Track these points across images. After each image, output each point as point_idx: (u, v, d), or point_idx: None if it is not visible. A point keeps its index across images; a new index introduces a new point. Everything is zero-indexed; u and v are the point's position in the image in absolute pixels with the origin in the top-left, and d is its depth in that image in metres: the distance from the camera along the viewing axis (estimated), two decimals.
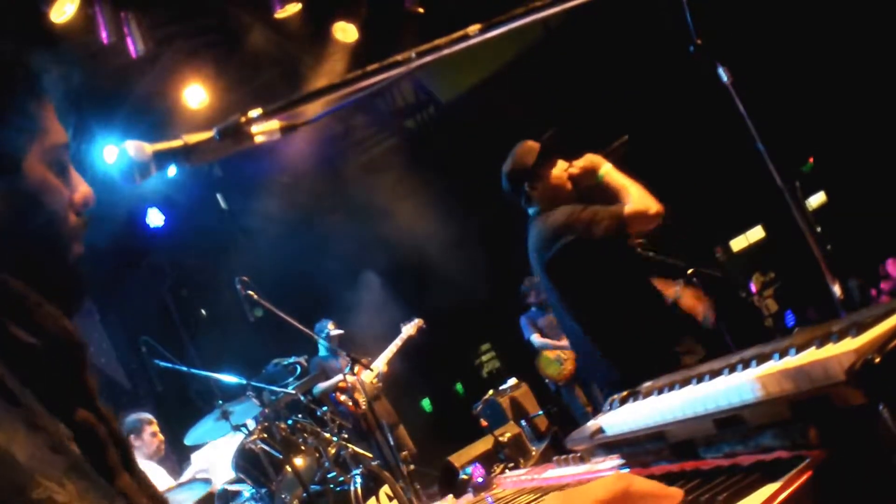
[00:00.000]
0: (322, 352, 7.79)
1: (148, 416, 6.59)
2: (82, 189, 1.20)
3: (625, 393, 1.66)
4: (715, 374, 1.36)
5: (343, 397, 7.53)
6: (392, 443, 6.39)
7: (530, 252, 3.95)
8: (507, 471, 2.11)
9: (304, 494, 5.33)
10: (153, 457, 6.55)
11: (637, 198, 3.63)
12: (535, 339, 8.75)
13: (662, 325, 3.85)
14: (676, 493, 1.13)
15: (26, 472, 0.88)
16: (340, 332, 7.66)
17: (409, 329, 7.84)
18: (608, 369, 3.78)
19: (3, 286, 1.04)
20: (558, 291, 3.88)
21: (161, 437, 6.51)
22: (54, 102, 1.18)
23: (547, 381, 8.82)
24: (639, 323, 3.72)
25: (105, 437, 1.06)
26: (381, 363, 7.61)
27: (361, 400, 7.29)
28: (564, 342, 8.65)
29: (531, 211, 3.98)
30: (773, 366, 1.21)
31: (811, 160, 10.29)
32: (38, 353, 1.02)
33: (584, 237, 3.63)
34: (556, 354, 8.66)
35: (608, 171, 3.77)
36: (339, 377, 7.26)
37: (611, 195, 3.71)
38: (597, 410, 1.78)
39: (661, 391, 1.51)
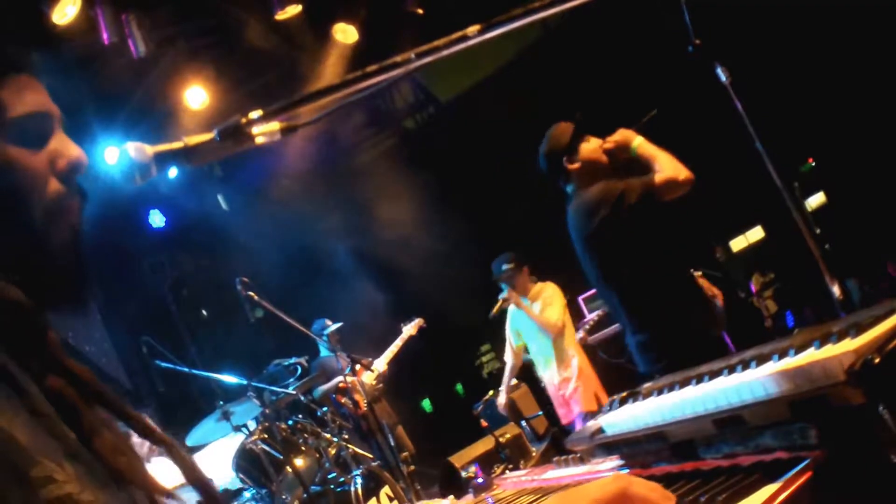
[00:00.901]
0: (323, 352, 7.78)
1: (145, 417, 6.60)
2: (68, 152, 1.13)
3: (624, 393, 1.66)
4: (715, 374, 1.36)
5: (343, 399, 7.52)
6: (392, 443, 6.39)
7: (570, 230, 4.02)
8: (507, 471, 2.11)
9: (305, 495, 5.33)
10: (150, 456, 6.55)
11: (667, 166, 3.78)
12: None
13: (697, 306, 3.93)
14: (671, 497, 1.13)
15: (27, 452, 0.88)
16: (339, 324, 7.63)
17: (409, 329, 7.83)
18: (644, 347, 3.83)
19: None
20: (598, 269, 3.94)
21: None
22: (34, 73, 1.13)
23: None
24: (675, 300, 3.79)
25: (77, 400, 1.01)
26: (381, 363, 7.59)
27: (361, 401, 7.28)
28: None
29: (569, 189, 4.07)
30: (773, 366, 1.21)
31: (810, 160, 10.30)
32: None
33: (618, 209, 3.72)
34: None
35: (641, 144, 3.90)
36: (339, 378, 7.25)
37: (645, 167, 3.83)
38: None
39: (660, 391, 1.52)
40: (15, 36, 5.91)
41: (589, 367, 6.92)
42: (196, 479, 1.19)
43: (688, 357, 3.13)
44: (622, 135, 3.97)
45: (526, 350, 7.13)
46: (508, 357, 7.31)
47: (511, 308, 7.00)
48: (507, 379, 7.44)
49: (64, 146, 1.13)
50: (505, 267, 6.81)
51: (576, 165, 3.98)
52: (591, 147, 3.99)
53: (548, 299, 6.83)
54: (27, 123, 1.09)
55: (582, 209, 3.89)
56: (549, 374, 6.90)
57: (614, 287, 3.91)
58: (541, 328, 6.75)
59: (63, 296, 1.12)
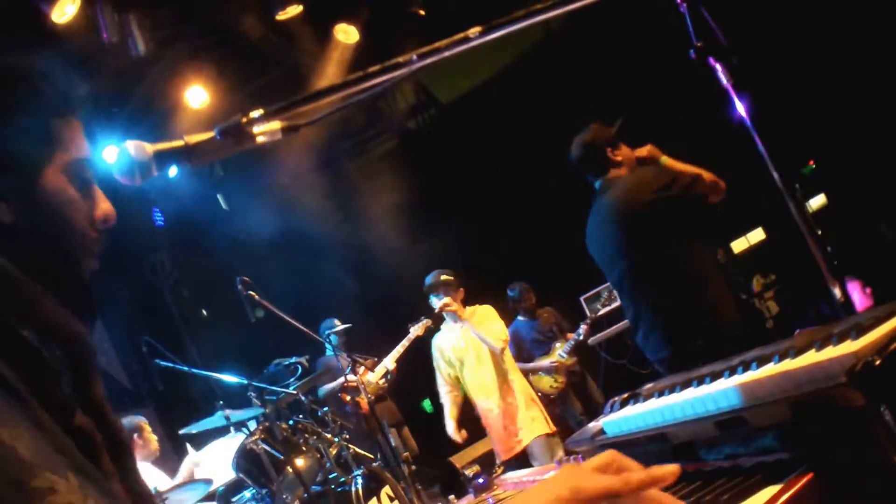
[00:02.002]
0: (328, 351, 7.77)
1: (142, 418, 6.63)
2: (103, 206, 1.23)
3: (626, 394, 1.66)
4: (716, 375, 1.36)
5: (348, 397, 7.50)
6: (394, 443, 6.39)
7: (610, 211, 4.10)
8: (508, 472, 2.11)
9: (306, 495, 5.33)
10: (149, 457, 6.57)
11: (709, 175, 4.08)
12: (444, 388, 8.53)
13: (727, 298, 4.14)
14: (628, 480, 1.03)
15: (28, 465, 0.89)
16: (348, 325, 7.63)
17: (416, 329, 7.78)
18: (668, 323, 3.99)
19: (16, 286, 1.06)
20: (638, 244, 4.03)
21: (154, 437, 6.55)
22: (82, 120, 1.21)
23: (539, 394, 8.73)
24: (711, 289, 3.98)
25: (100, 444, 1.06)
26: (389, 361, 7.57)
27: (363, 402, 7.27)
28: (543, 362, 8.54)
29: (598, 183, 4.25)
30: (774, 368, 1.21)
31: (811, 162, 10.30)
32: (44, 356, 1.03)
33: (685, 193, 3.94)
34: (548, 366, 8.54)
35: (667, 160, 4.17)
36: (343, 379, 7.24)
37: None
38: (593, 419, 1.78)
39: (661, 393, 1.51)
40: (15, 35, 5.92)
41: (531, 389, 6.59)
42: None
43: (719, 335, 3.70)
44: (651, 149, 4.23)
45: (457, 380, 6.52)
46: (445, 390, 6.62)
47: (438, 337, 6.52)
48: (456, 414, 6.62)
49: (100, 198, 1.24)
50: (443, 277, 6.36)
51: (619, 157, 4.20)
52: (627, 150, 4.25)
53: (483, 318, 6.31)
54: (82, 169, 1.20)
55: (637, 186, 4.01)
56: (489, 403, 6.34)
57: (651, 263, 4.01)
58: (484, 345, 6.19)
59: (87, 316, 1.19)
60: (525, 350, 8.58)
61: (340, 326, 7.55)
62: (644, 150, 4.23)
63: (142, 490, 1.14)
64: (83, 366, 1.09)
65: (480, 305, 6.41)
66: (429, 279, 6.35)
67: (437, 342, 6.53)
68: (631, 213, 3.98)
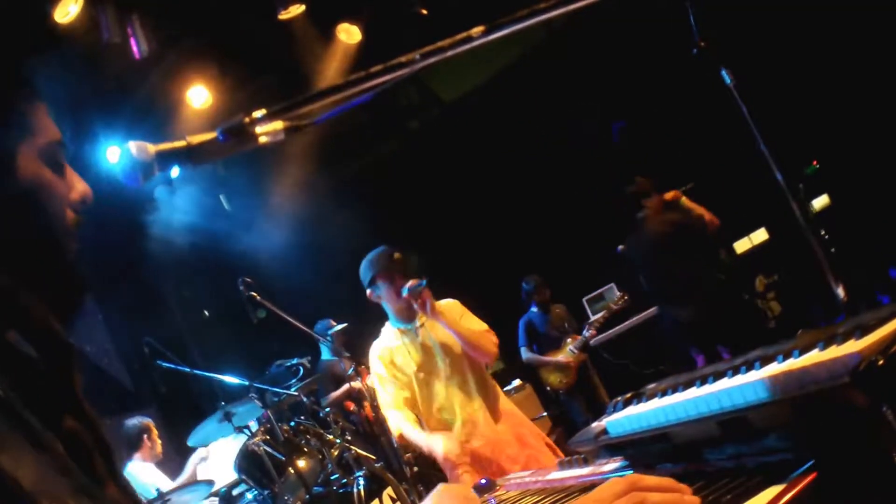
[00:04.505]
0: (326, 354, 7.76)
1: (149, 419, 6.63)
2: (80, 187, 1.20)
3: (629, 394, 1.66)
4: (719, 375, 1.36)
5: (353, 406, 7.47)
6: (396, 444, 6.37)
7: (649, 234, 7.28)
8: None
9: (307, 496, 5.33)
10: (155, 459, 6.57)
11: (708, 213, 7.15)
12: (524, 352, 8.67)
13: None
14: (684, 488, 1.14)
15: (32, 497, 0.87)
16: (343, 325, 7.61)
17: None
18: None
19: None
20: (669, 257, 7.15)
21: (159, 440, 6.56)
22: (48, 102, 1.19)
23: (548, 388, 8.77)
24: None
25: (91, 445, 1.04)
26: None
27: (369, 407, 7.24)
28: (559, 356, 8.59)
29: (639, 215, 7.33)
30: (778, 367, 1.21)
31: (815, 162, 10.28)
32: (30, 360, 1.02)
33: (694, 227, 7.11)
34: (556, 362, 8.59)
35: (685, 200, 7.19)
36: (348, 386, 7.22)
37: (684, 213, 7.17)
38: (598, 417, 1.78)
39: (664, 392, 1.51)
40: (16, 34, 5.92)
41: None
42: None
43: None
44: (674, 193, 7.18)
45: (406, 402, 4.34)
46: (399, 415, 4.30)
47: (379, 345, 4.46)
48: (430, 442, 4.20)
49: (75, 179, 1.21)
50: (398, 256, 4.37)
51: (651, 204, 7.23)
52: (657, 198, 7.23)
53: (457, 314, 4.40)
54: (55, 152, 1.17)
55: (669, 222, 7.14)
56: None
57: (683, 266, 7.10)
58: (464, 348, 4.27)
59: (69, 311, 1.17)
60: (539, 341, 8.63)
61: (337, 326, 7.54)
62: (670, 195, 7.15)
63: (131, 491, 1.13)
64: (63, 366, 1.08)
65: (445, 299, 4.47)
66: (376, 261, 4.36)
67: (380, 352, 4.44)
68: (667, 238, 7.12)
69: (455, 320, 4.29)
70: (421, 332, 4.39)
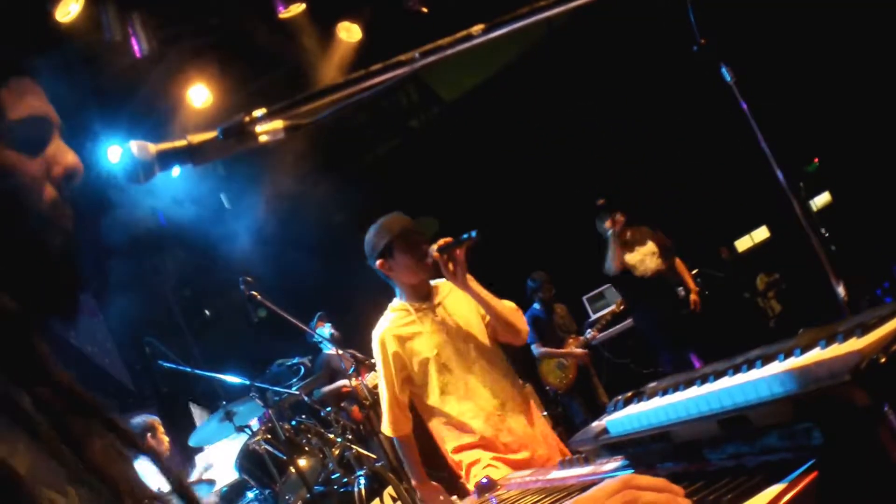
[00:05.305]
0: (326, 348, 7.75)
1: (155, 417, 6.62)
2: (64, 160, 1.12)
3: (629, 393, 1.66)
4: (720, 374, 1.36)
5: (344, 404, 7.47)
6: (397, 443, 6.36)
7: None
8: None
9: (308, 496, 5.33)
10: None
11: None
12: (535, 347, 8.69)
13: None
14: (678, 490, 1.14)
15: (26, 486, 0.86)
16: (329, 324, 7.60)
17: None
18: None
19: None
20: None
21: (166, 437, 6.55)
22: (34, 76, 1.12)
23: (548, 387, 8.77)
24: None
25: (63, 409, 0.99)
26: None
27: (357, 409, 7.23)
28: (567, 349, 8.62)
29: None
30: (778, 366, 1.21)
31: (816, 160, 10.28)
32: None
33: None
34: (559, 361, 8.61)
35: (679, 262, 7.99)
36: (343, 382, 7.20)
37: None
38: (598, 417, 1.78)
39: (665, 391, 1.51)
40: (17, 33, 5.92)
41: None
42: (180, 488, 1.19)
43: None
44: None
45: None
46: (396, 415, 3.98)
47: (384, 328, 3.77)
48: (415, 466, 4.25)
49: (61, 153, 1.12)
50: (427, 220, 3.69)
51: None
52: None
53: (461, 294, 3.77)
54: (26, 127, 1.08)
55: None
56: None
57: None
58: (494, 325, 3.73)
59: (57, 303, 1.10)
60: (545, 334, 8.64)
61: (325, 326, 7.54)
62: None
63: (122, 451, 1.08)
64: (23, 337, 1.00)
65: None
66: (392, 225, 3.76)
67: (387, 334, 3.77)
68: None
69: (487, 292, 3.71)
70: (439, 310, 3.75)
